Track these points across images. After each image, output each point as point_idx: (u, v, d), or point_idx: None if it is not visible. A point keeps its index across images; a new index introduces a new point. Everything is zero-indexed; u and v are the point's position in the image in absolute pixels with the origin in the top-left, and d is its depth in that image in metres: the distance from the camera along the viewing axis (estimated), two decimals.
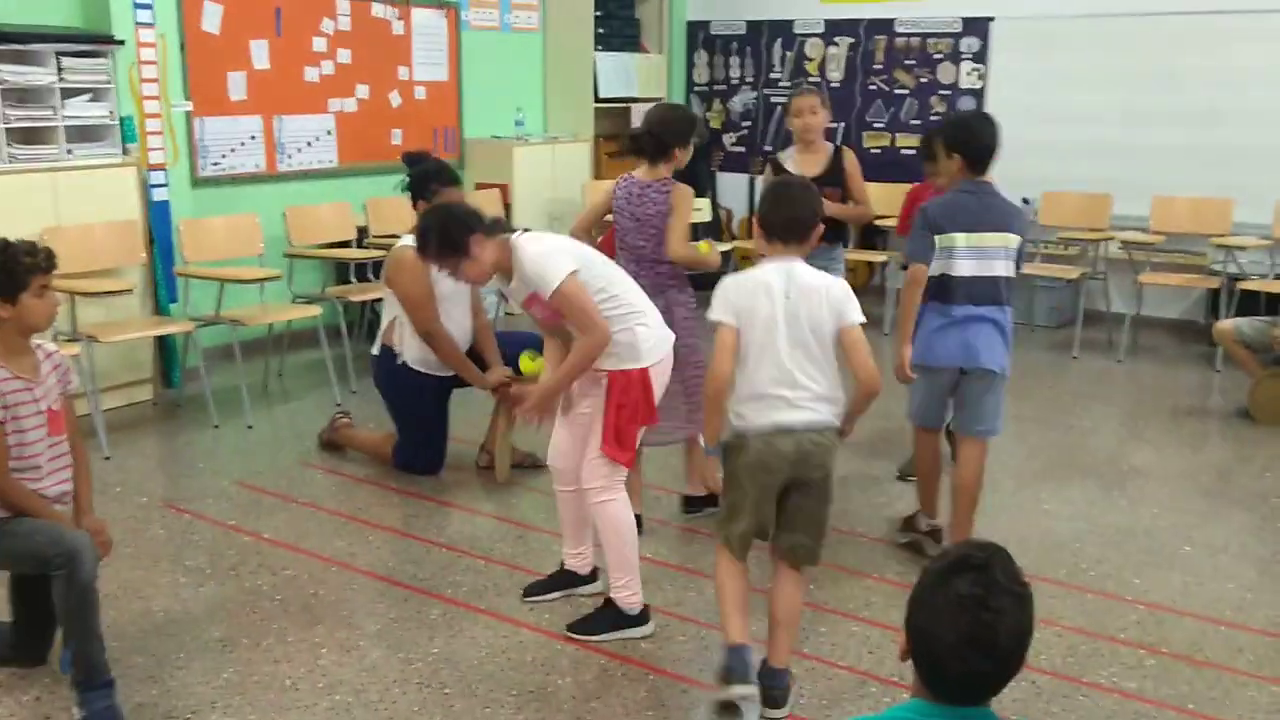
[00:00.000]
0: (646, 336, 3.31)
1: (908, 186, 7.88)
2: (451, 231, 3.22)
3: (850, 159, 4.87)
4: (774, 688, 2.97)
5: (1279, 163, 6.83)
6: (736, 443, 2.95)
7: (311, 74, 6.82)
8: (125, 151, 5.58)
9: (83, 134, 5.44)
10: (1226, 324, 5.84)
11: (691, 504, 4.31)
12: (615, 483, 3.35)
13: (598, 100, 8.40)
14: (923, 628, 1.61)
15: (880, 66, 8.43)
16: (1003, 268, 3.65)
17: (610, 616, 3.42)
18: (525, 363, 3.90)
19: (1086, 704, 3.05)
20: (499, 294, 7.04)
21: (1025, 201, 7.60)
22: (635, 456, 3.42)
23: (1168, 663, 3.27)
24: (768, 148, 8.96)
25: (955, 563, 1.63)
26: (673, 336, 3.43)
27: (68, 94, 5.34)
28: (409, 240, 4.62)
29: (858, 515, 4.33)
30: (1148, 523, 4.31)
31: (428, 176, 4.59)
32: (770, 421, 2.88)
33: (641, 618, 3.43)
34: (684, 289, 4.08)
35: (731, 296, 2.93)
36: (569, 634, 3.39)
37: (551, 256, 3.21)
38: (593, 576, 3.65)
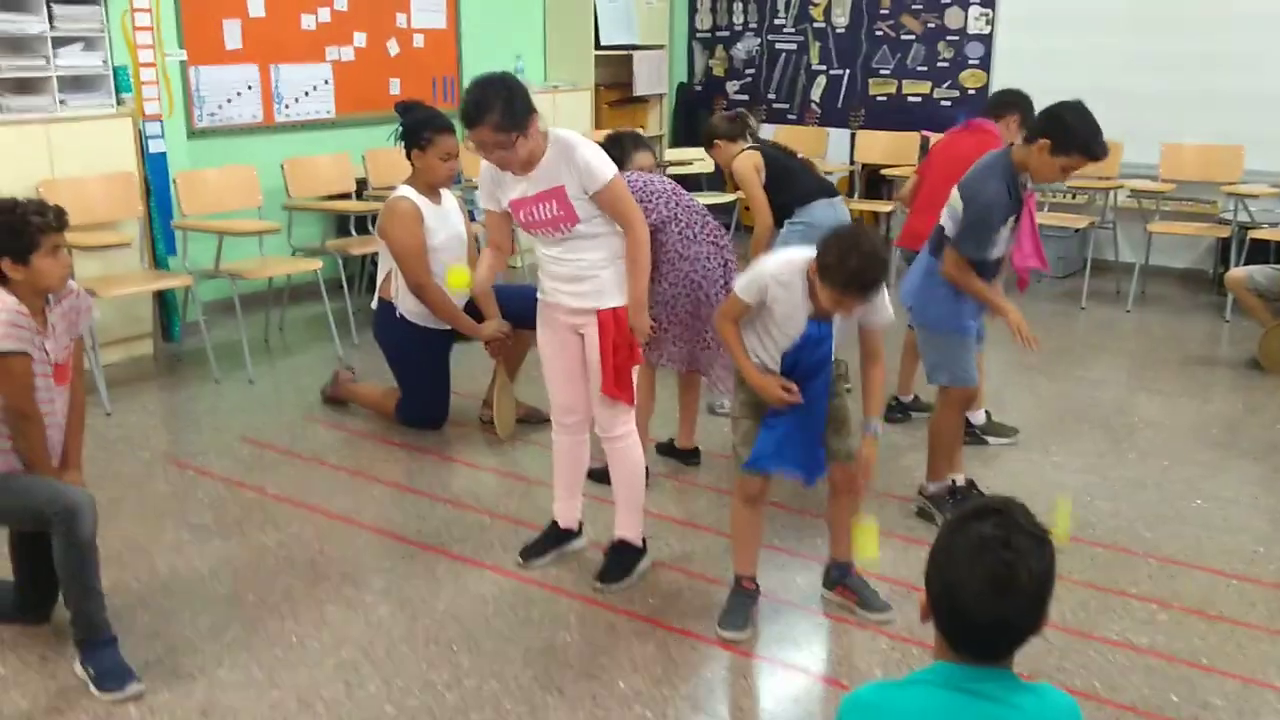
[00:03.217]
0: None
1: (913, 135, 7.84)
2: (518, 102, 3.05)
3: None
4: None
5: None
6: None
7: (308, 21, 6.70)
8: (120, 102, 5.49)
9: (76, 84, 5.34)
10: (1239, 272, 5.77)
11: (666, 452, 4.41)
12: (629, 422, 3.38)
13: (598, 48, 8.27)
14: (944, 576, 1.58)
15: (887, 11, 8.27)
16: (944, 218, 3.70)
17: (629, 556, 3.45)
18: (453, 275, 3.60)
19: (1098, 659, 3.03)
20: None
21: None
22: (635, 393, 3.40)
23: (1180, 617, 3.25)
24: (771, 95, 8.84)
25: (974, 510, 1.62)
26: None
27: (59, 43, 5.23)
28: (404, 191, 4.57)
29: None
30: (1157, 475, 4.27)
31: (421, 124, 4.50)
32: None
33: (645, 547, 3.50)
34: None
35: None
36: (600, 588, 3.38)
37: (604, 154, 3.19)
38: (580, 531, 3.63)
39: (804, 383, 2.98)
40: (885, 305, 3.02)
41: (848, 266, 2.78)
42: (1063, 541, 3.46)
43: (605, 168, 3.15)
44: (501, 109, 3.02)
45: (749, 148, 4.78)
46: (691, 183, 8.00)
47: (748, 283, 2.99)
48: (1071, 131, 3.43)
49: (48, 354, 2.95)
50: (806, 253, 2.93)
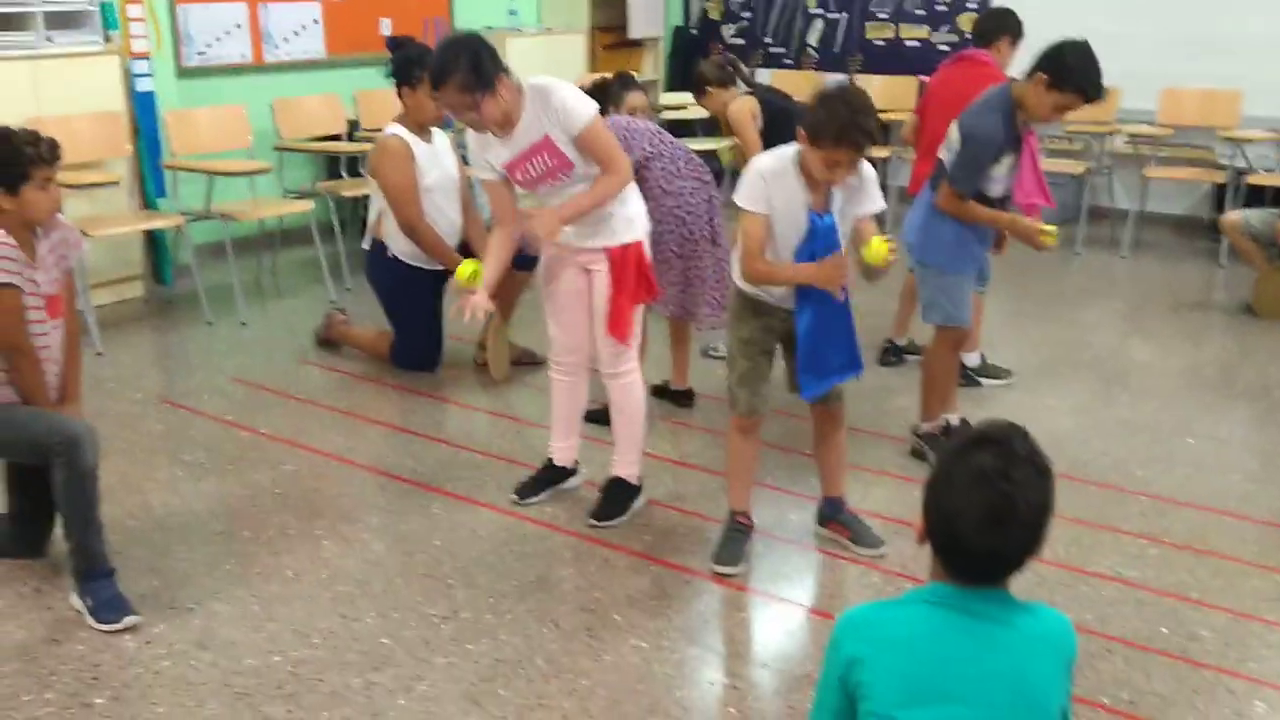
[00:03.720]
0: (640, 208, 3.32)
1: (911, 79, 7.75)
2: (484, 61, 3.00)
3: None
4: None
5: None
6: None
7: None
8: (107, 39, 5.40)
9: (62, 20, 5.25)
10: (1234, 215, 5.75)
11: (660, 394, 4.38)
12: (631, 357, 3.37)
13: None
14: (942, 504, 1.58)
15: None
16: (942, 153, 3.65)
17: (624, 493, 3.47)
18: (463, 270, 3.38)
19: (1089, 592, 3.05)
20: None
21: None
22: (641, 331, 3.38)
23: (1170, 552, 3.27)
24: (767, 39, 8.74)
25: (974, 439, 1.60)
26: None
27: None
28: (395, 129, 4.52)
29: (857, 411, 4.29)
30: (1150, 416, 4.29)
31: (412, 61, 4.44)
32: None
33: (641, 486, 3.51)
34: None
35: None
36: (595, 524, 3.39)
37: (581, 95, 3.14)
38: (575, 469, 3.64)
39: None
40: (876, 189, 2.98)
41: (838, 118, 2.72)
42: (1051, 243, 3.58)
43: (584, 108, 3.10)
44: (466, 69, 2.98)
45: (743, 94, 4.73)
46: (686, 128, 7.92)
47: (746, 190, 2.92)
48: (1069, 69, 3.37)
49: (38, 286, 2.93)
50: (792, 146, 2.90)
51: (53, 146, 2.89)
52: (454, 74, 2.99)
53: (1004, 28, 4.63)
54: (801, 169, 2.88)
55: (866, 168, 2.94)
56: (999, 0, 7.50)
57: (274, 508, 3.52)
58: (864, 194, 2.96)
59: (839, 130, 2.72)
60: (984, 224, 3.60)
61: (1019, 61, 4.59)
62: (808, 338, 2.97)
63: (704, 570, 3.15)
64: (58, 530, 2.96)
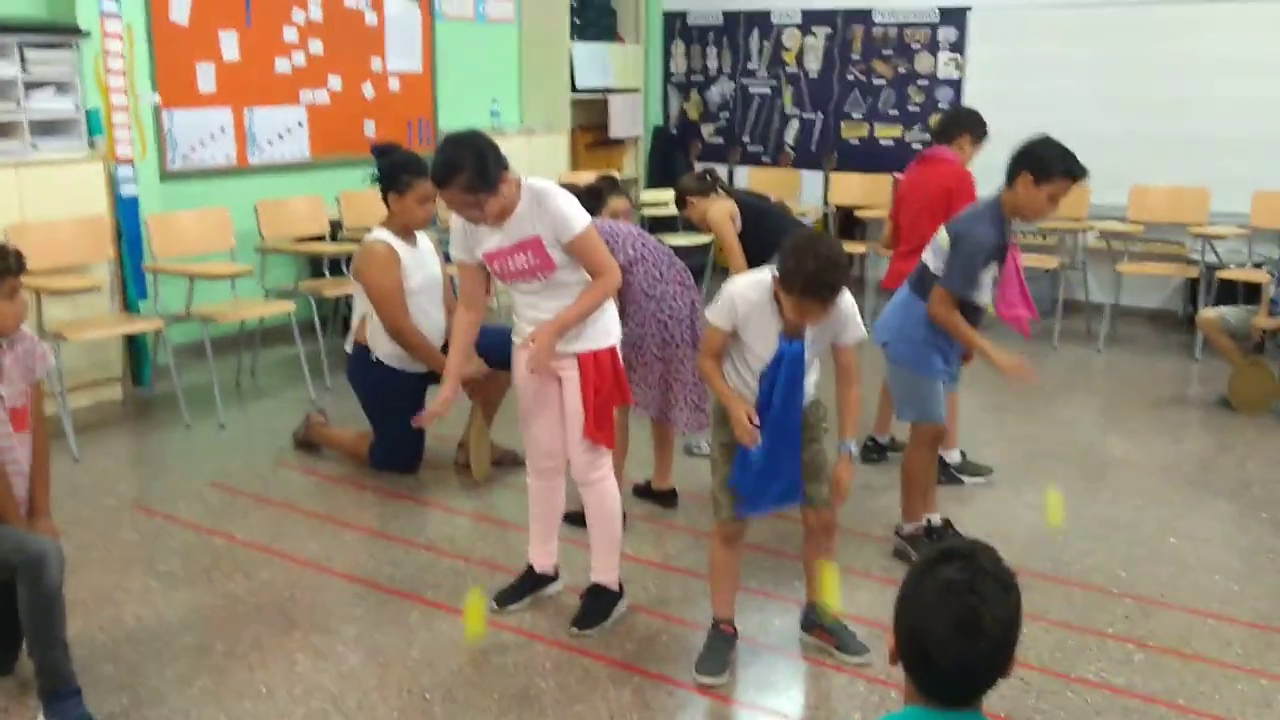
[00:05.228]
0: (613, 314, 3.36)
1: (885, 177, 7.91)
2: (489, 162, 3.03)
3: None
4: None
5: (1256, 152, 6.84)
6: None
7: (283, 65, 6.70)
8: (92, 145, 5.46)
9: (48, 128, 5.32)
10: (1211, 313, 5.83)
11: (643, 494, 4.38)
12: (605, 465, 3.37)
13: (574, 91, 8.32)
14: (910, 621, 1.59)
15: (858, 57, 8.37)
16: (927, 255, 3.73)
17: (605, 600, 3.43)
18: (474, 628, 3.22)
19: (1075, 700, 3.01)
20: None
21: None
22: (615, 435, 3.39)
23: (1156, 657, 3.24)
24: (745, 138, 8.91)
25: (940, 554, 1.62)
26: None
27: (31, 87, 5.22)
28: (380, 234, 4.56)
29: (843, 511, 4.27)
30: (1131, 514, 4.29)
31: (398, 167, 4.50)
32: None
33: (622, 591, 3.48)
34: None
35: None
36: (577, 633, 3.34)
37: (576, 204, 3.17)
38: (555, 575, 3.61)
39: (782, 405, 2.96)
40: (855, 321, 3.02)
41: (805, 270, 2.77)
42: (1055, 524, 3.69)
43: (578, 217, 3.14)
44: (471, 170, 3.01)
45: (721, 198, 4.81)
46: (667, 224, 8.04)
47: (718, 306, 2.99)
48: (1046, 159, 3.53)
49: (2, 399, 2.91)
50: (773, 270, 2.95)
51: (18, 257, 2.90)
52: (459, 175, 3.02)
53: (964, 125, 4.76)
54: (777, 298, 2.93)
55: (845, 300, 2.97)
56: (969, 99, 7.71)
57: (248, 619, 3.46)
58: (842, 325, 3.01)
59: (805, 284, 2.79)
60: (961, 340, 3.67)
61: (983, 160, 4.73)
62: (754, 460, 2.98)
63: (687, 680, 3.10)
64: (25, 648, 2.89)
